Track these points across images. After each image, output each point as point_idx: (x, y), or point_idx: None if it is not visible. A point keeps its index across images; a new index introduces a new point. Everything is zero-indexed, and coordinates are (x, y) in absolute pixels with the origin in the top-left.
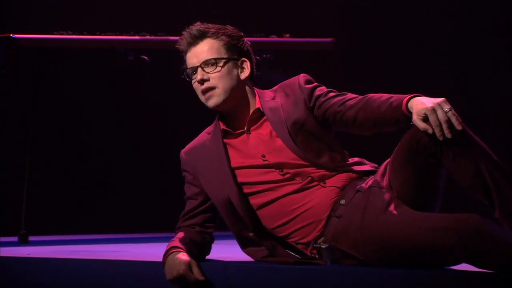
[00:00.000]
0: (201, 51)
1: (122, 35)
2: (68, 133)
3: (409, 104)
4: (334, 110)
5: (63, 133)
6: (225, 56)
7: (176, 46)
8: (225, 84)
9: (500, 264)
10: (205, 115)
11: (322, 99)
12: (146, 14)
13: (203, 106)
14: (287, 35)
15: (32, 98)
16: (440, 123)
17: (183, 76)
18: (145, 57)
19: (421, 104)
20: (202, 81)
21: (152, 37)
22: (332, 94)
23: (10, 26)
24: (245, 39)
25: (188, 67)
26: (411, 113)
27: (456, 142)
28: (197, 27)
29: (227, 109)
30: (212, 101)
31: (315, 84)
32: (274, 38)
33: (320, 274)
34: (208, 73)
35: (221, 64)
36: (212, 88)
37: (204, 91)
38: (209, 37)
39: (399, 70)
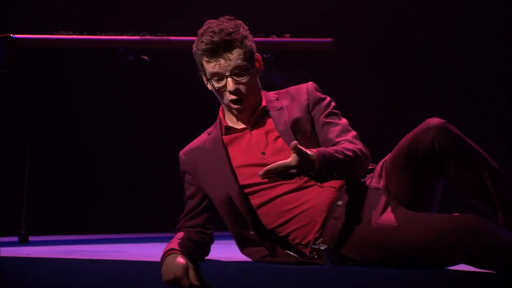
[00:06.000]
0: (230, 58)
1: (122, 35)
2: (68, 133)
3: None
4: (322, 136)
5: (63, 133)
6: (251, 62)
7: (198, 50)
8: (254, 93)
9: (499, 264)
10: (206, 115)
11: (321, 116)
12: (146, 14)
13: (203, 106)
14: (287, 35)
15: (32, 98)
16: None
17: (207, 83)
18: (145, 57)
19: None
20: (236, 92)
21: (152, 37)
22: (332, 119)
23: (10, 26)
24: None
25: (214, 74)
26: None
27: (456, 154)
28: (222, 32)
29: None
30: (243, 114)
31: (323, 95)
32: (274, 38)
33: (320, 275)
34: (238, 82)
35: (250, 71)
36: (242, 101)
37: (235, 102)
38: (236, 41)
39: (399, 70)
